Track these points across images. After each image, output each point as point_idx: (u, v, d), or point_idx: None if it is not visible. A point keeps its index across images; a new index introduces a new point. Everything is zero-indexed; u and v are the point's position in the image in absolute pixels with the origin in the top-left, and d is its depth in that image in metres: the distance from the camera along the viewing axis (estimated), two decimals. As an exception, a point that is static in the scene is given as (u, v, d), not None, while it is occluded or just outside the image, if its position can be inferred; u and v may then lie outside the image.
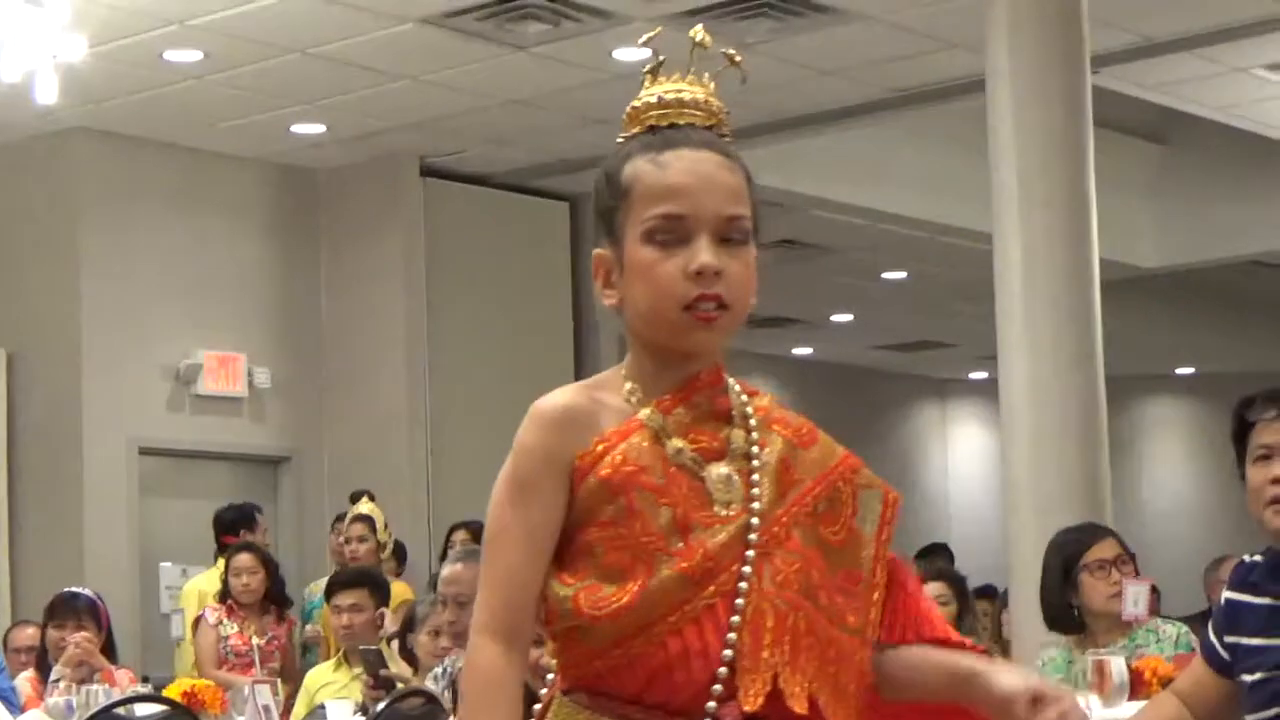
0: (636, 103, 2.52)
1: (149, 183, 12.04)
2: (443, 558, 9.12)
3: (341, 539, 10.39)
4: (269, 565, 9.23)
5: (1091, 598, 6.09)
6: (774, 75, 10.95)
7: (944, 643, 2.53)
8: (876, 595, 2.49)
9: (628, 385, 2.47)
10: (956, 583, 8.73)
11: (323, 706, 7.14)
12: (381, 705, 6.16)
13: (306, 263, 12.83)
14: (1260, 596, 3.90)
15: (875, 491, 2.53)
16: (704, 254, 2.41)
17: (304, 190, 12.85)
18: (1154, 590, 6.26)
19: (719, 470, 2.43)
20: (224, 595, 9.16)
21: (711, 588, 2.37)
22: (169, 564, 11.52)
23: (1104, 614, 6.07)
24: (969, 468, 21.66)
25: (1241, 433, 3.92)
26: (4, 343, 11.83)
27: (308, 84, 11.05)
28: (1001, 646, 9.32)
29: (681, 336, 2.44)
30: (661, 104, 2.50)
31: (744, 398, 2.52)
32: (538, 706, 2.47)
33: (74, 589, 8.30)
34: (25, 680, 8.02)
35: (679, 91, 2.51)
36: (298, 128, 11.95)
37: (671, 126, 2.48)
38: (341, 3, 9.78)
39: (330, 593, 8.26)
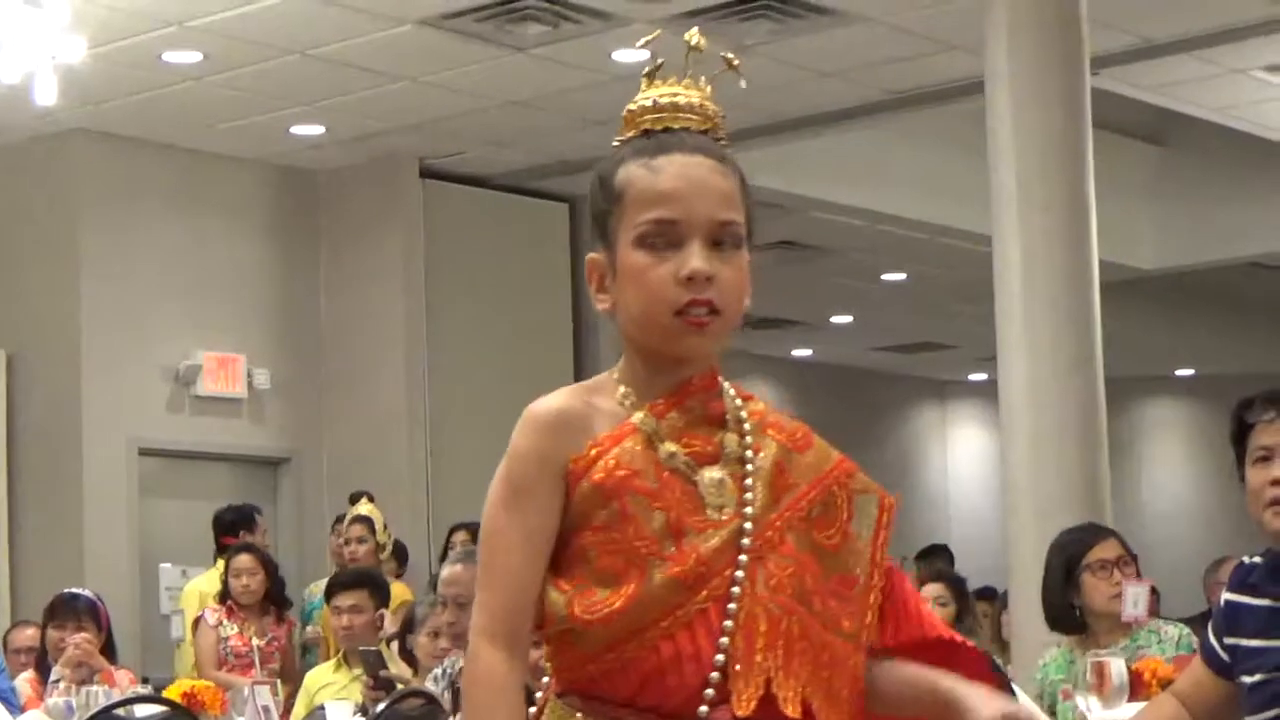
0: (632, 106, 2.52)
1: (148, 184, 12.05)
2: (443, 559, 9.12)
3: (341, 540, 10.40)
4: (269, 566, 9.23)
5: (1093, 598, 6.09)
6: (773, 77, 10.95)
7: (941, 641, 2.53)
8: (873, 599, 2.48)
9: (621, 389, 2.47)
10: (956, 584, 8.74)
11: (322, 707, 7.14)
12: (381, 706, 6.16)
13: (306, 264, 12.83)
14: (1260, 598, 3.90)
15: (871, 496, 2.53)
16: (695, 259, 2.41)
17: (303, 191, 12.85)
18: (1154, 592, 6.26)
19: (712, 474, 2.43)
20: (224, 596, 9.16)
21: (704, 592, 2.37)
22: (169, 565, 11.52)
23: (1105, 614, 6.07)
24: (968, 469, 21.67)
25: (1241, 434, 3.92)
26: (4, 343, 11.83)
27: (307, 85, 11.06)
28: (1001, 648, 9.33)
29: (673, 341, 2.44)
30: (656, 108, 2.50)
31: (738, 402, 2.52)
32: (533, 710, 2.47)
33: (74, 590, 8.30)
34: (25, 681, 8.01)
35: (674, 95, 2.51)
36: (297, 129, 11.96)
37: (666, 130, 2.48)
38: (340, 4, 9.78)
39: (330, 594, 8.26)
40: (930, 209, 13.78)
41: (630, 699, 2.38)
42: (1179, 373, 21.03)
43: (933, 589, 8.53)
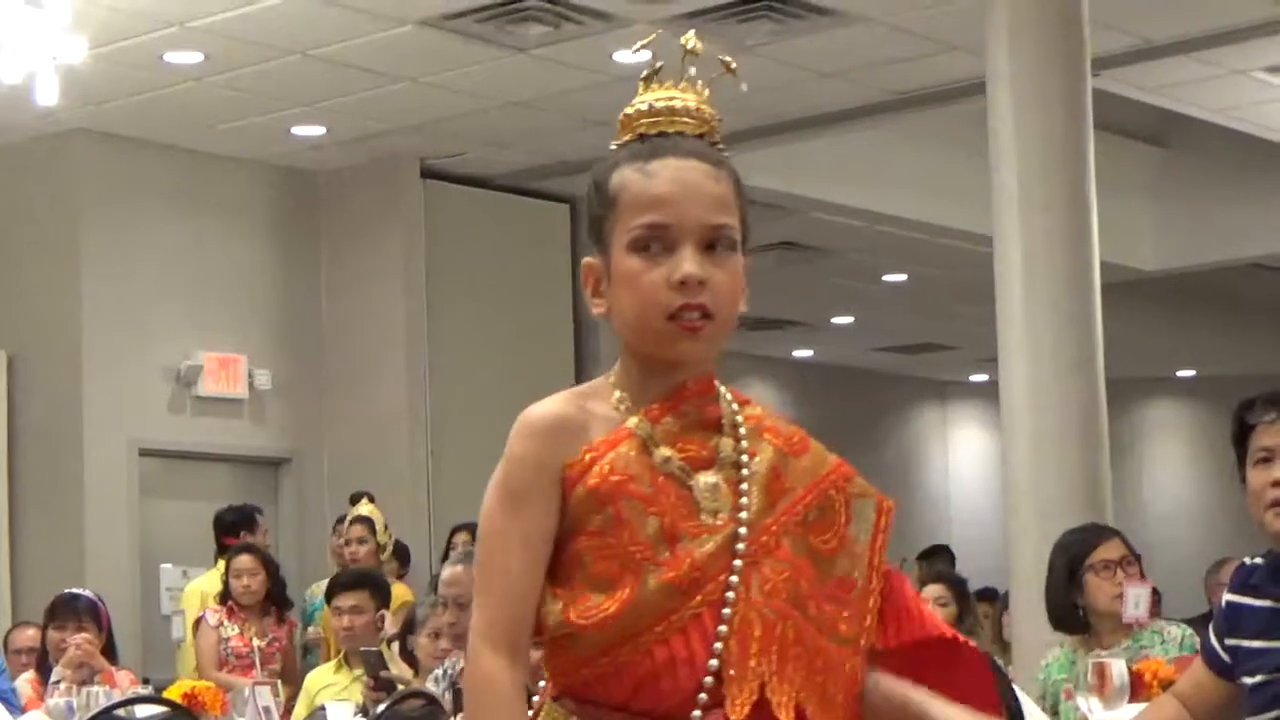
0: (628, 110, 2.52)
1: (149, 184, 12.05)
2: (444, 559, 9.12)
3: (342, 541, 10.40)
4: (270, 567, 9.23)
5: (1096, 598, 6.09)
6: (774, 77, 10.95)
7: (943, 641, 2.53)
8: (872, 603, 2.48)
9: (617, 393, 2.47)
10: (957, 585, 8.75)
11: (323, 708, 7.14)
12: (382, 707, 6.16)
13: (307, 264, 12.84)
14: (1261, 599, 3.90)
15: (869, 500, 2.52)
16: (687, 264, 2.41)
17: (304, 192, 12.85)
18: (1155, 592, 6.26)
19: (707, 479, 2.43)
20: (225, 597, 9.16)
21: (698, 597, 2.37)
22: (169, 565, 11.52)
23: (1109, 614, 6.07)
24: (969, 470, 21.67)
25: (1242, 435, 3.92)
26: (4, 344, 11.84)
27: (308, 86, 11.06)
28: (1002, 648, 9.33)
29: (667, 346, 2.43)
30: (652, 112, 2.50)
31: (735, 406, 2.51)
32: (529, 712, 2.47)
33: (74, 590, 8.30)
34: (26, 681, 8.01)
35: (670, 99, 2.51)
36: (298, 129, 11.96)
37: (661, 135, 2.48)
38: (341, 5, 9.79)
39: (331, 594, 8.25)
40: (931, 210, 13.78)
41: (624, 703, 2.38)
42: (1180, 374, 21.04)
43: (933, 590, 8.54)
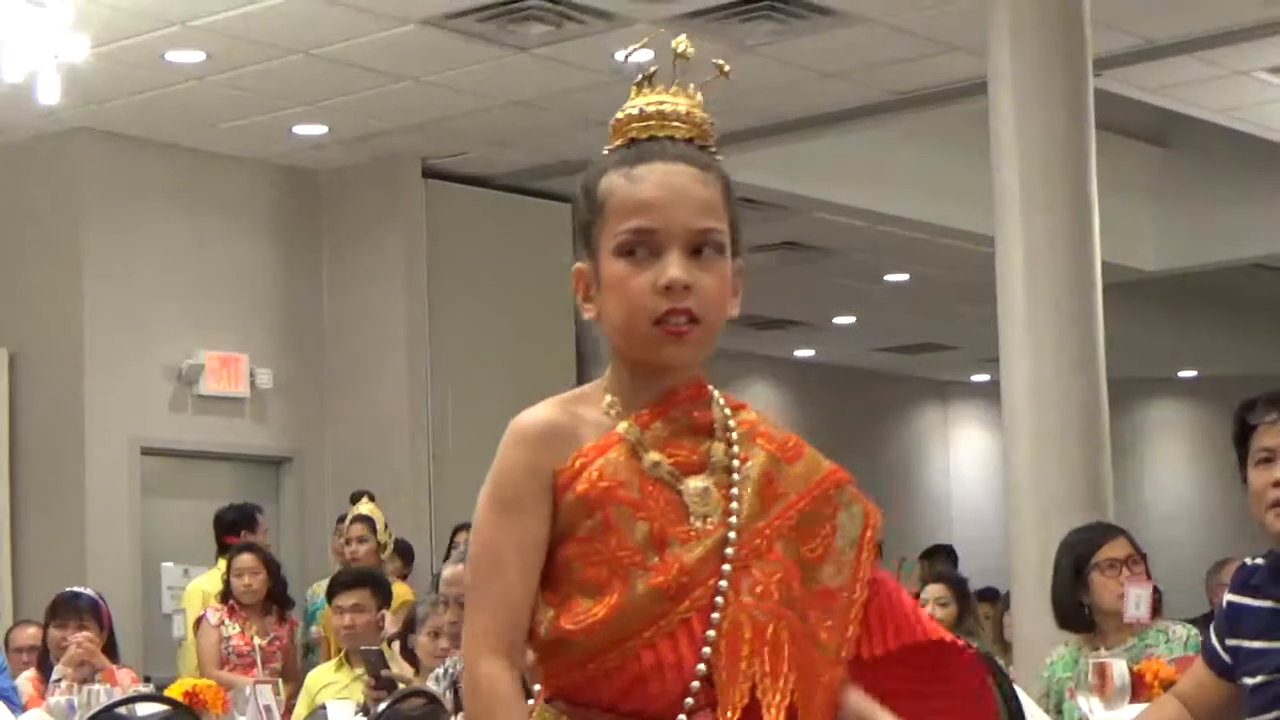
0: (619, 115, 2.52)
1: (151, 183, 12.06)
2: (445, 558, 9.12)
3: (342, 540, 10.40)
4: (271, 565, 9.23)
5: (1102, 596, 6.09)
6: (776, 78, 10.95)
7: (938, 645, 2.52)
8: (854, 613, 2.48)
9: (607, 398, 2.47)
10: (957, 585, 8.74)
11: (324, 707, 7.14)
12: (383, 706, 6.16)
13: (308, 264, 12.84)
14: (1262, 600, 3.90)
15: (857, 509, 2.52)
16: (673, 268, 2.40)
17: (305, 191, 12.86)
18: (1157, 592, 6.25)
19: (696, 484, 2.43)
20: (226, 595, 9.16)
21: (686, 602, 2.37)
22: (171, 564, 11.51)
23: (1114, 613, 6.07)
24: (971, 470, 21.67)
25: (1243, 436, 3.91)
26: (6, 343, 11.84)
27: (309, 85, 11.06)
28: (1003, 648, 9.33)
29: (654, 351, 2.43)
30: (643, 116, 2.50)
31: (727, 411, 2.50)
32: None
33: (76, 589, 8.30)
34: (27, 680, 8.02)
35: (660, 103, 2.50)
36: (299, 129, 11.96)
37: (651, 139, 2.48)
38: (343, 4, 9.79)
39: (332, 593, 8.25)
40: (933, 210, 13.78)
41: (613, 705, 2.38)
42: (1181, 374, 21.04)
43: (934, 590, 8.54)
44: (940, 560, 13.51)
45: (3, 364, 11.82)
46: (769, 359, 19.30)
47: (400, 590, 9.62)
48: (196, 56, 10.49)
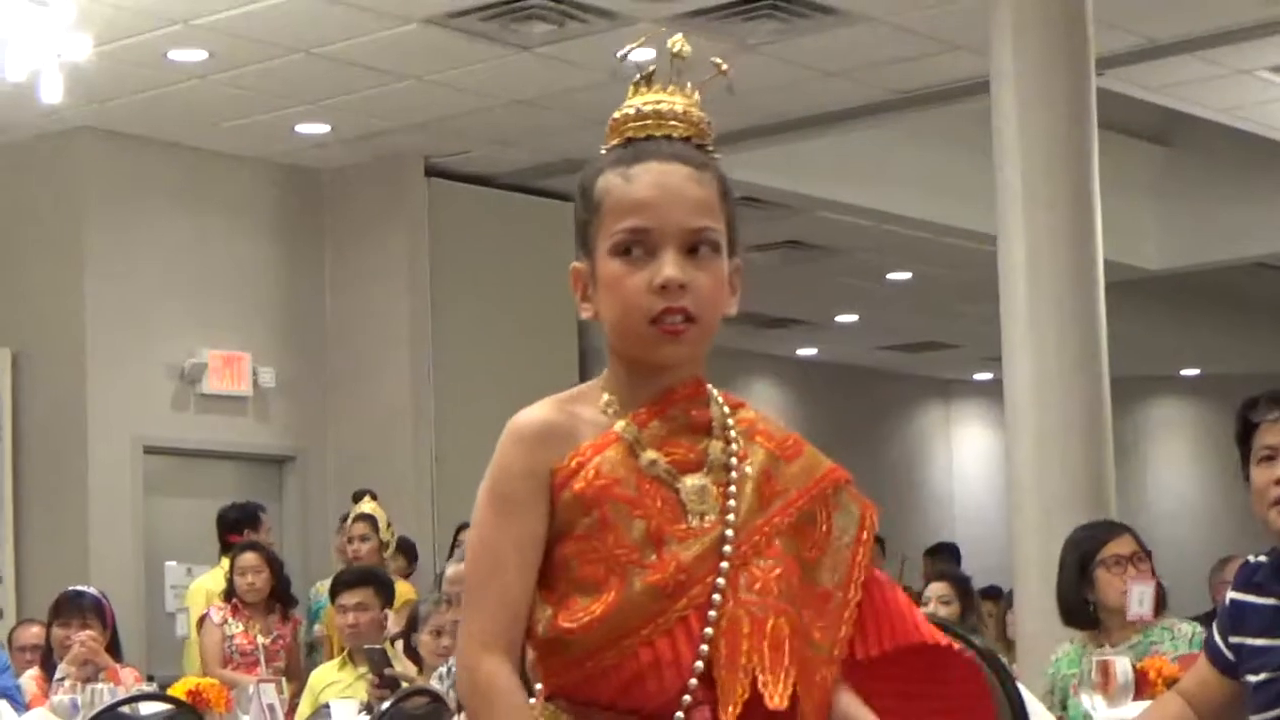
0: (616, 114, 2.53)
1: (153, 182, 12.06)
2: (449, 557, 9.12)
3: (345, 539, 10.40)
4: (274, 564, 9.24)
5: (1107, 594, 6.10)
6: (778, 76, 10.96)
7: (935, 648, 2.52)
8: (847, 614, 2.48)
9: (605, 397, 2.47)
10: (960, 583, 8.74)
11: (328, 706, 7.15)
12: (386, 704, 6.17)
13: (311, 262, 12.84)
14: (1265, 597, 3.90)
15: (854, 509, 2.53)
16: (668, 267, 2.41)
17: (308, 190, 12.86)
18: (1162, 589, 6.25)
19: (694, 482, 2.43)
20: (229, 594, 9.17)
21: (684, 600, 2.37)
22: (174, 563, 11.53)
23: (1119, 610, 6.07)
24: (974, 468, 21.66)
25: (1245, 434, 3.92)
26: (9, 342, 11.84)
27: (312, 84, 11.06)
28: (1006, 646, 9.33)
29: (650, 350, 2.44)
30: (639, 115, 2.50)
31: (726, 409, 2.51)
32: None
33: (79, 588, 8.31)
34: (30, 679, 8.02)
35: (657, 103, 2.51)
36: (302, 127, 11.96)
37: (648, 138, 2.49)
38: (345, 3, 9.79)
39: (335, 592, 8.26)
40: (935, 208, 13.79)
41: (612, 703, 2.39)
42: (1184, 372, 21.03)
43: (937, 588, 8.54)
44: (943, 558, 13.52)
45: (5, 363, 11.83)
46: (772, 358, 19.30)
47: (403, 589, 9.62)
48: (199, 55, 10.49)
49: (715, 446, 2.46)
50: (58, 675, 7.40)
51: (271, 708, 6.64)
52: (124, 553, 11.63)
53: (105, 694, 6.63)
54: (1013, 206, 9.00)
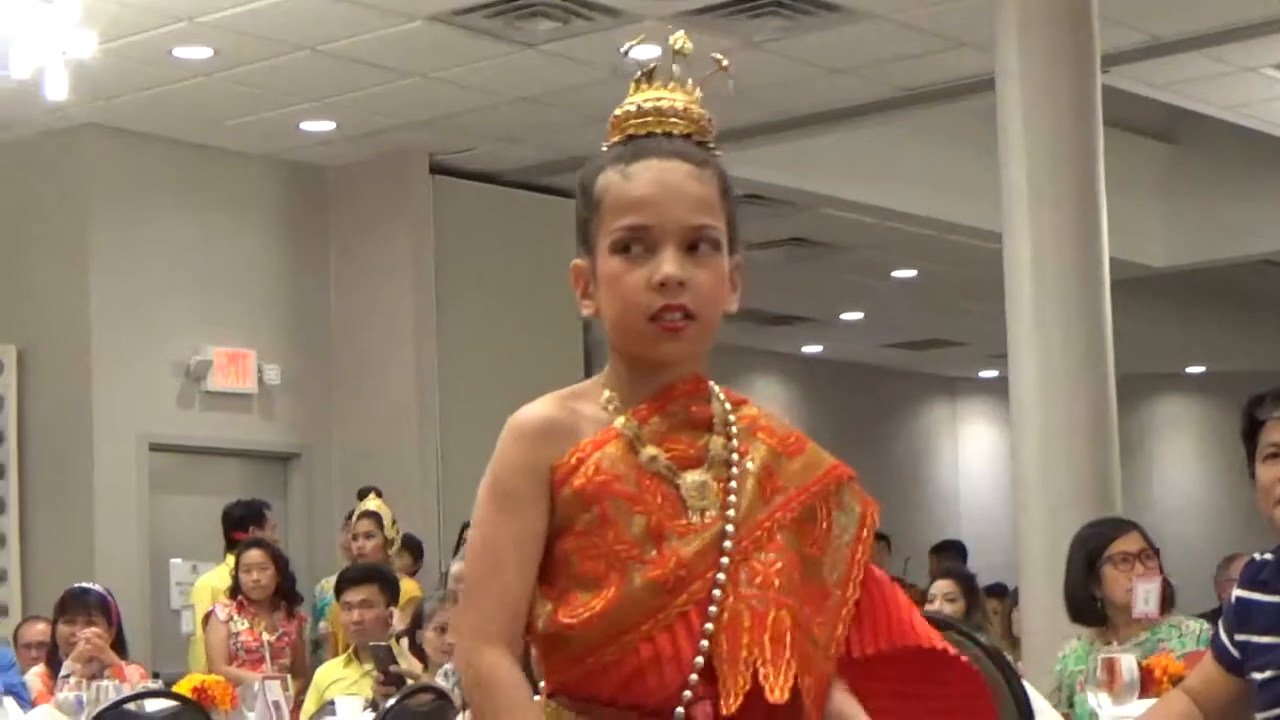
0: (617, 111, 2.53)
1: (158, 179, 12.06)
2: (454, 554, 9.12)
3: (350, 535, 10.40)
4: (279, 561, 9.24)
5: (1114, 590, 6.09)
6: (784, 73, 10.95)
7: (932, 653, 2.52)
8: (845, 612, 2.48)
9: (606, 394, 2.48)
10: (965, 580, 8.73)
11: (333, 703, 7.15)
12: (391, 701, 6.16)
13: (315, 260, 12.85)
14: (1270, 594, 3.90)
15: (856, 507, 2.53)
16: (667, 265, 2.41)
17: (313, 187, 12.86)
18: (1169, 586, 6.25)
19: (694, 477, 2.43)
20: (234, 591, 9.17)
21: (684, 595, 2.37)
22: (179, 560, 11.51)
23: (1126, 607, 6.07)
24: (979, 466, 21.66)
25: (1251, 431, 3.91)
26: (14, 339, 11.85)
27: (317, 81, 11.06)
28: (1011, 644, 9.33)
29: (650, 347, 2.44)
30: (640, 112, 2.51)
31: (727, 406, 2.51)
32: None
33: (84, 585, 8.31)
34: (36, 676, 8.03)
35: (658, 100, 2.51)
36: (307, 125, 11.97)
37: (649, 135, 2.49)
38: (350, 0, 9.79)
39: (340, 589, 8.26)
40: (940, 206, 13.78)
41: (613, 699, 2.39)
42: (1189, 370, 21.02)
43: (942, 585, 8.53)
44: (949, 556, 13.52)
45: (11, 360, 11.83)
46: (777, 355, 19.29)
47: (408, 586, 9.62)
48: (204, 53, 10.49)
49: (716, 442, 2.46)
50: (63, 672, 7.40)
51: (277, 705, 6.64)
52: (129, 550, 11.64)
53: (110, 691, 6.63)
54: (1018, 204, 9.00)
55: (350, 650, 8.07)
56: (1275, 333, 18.26)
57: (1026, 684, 4.24)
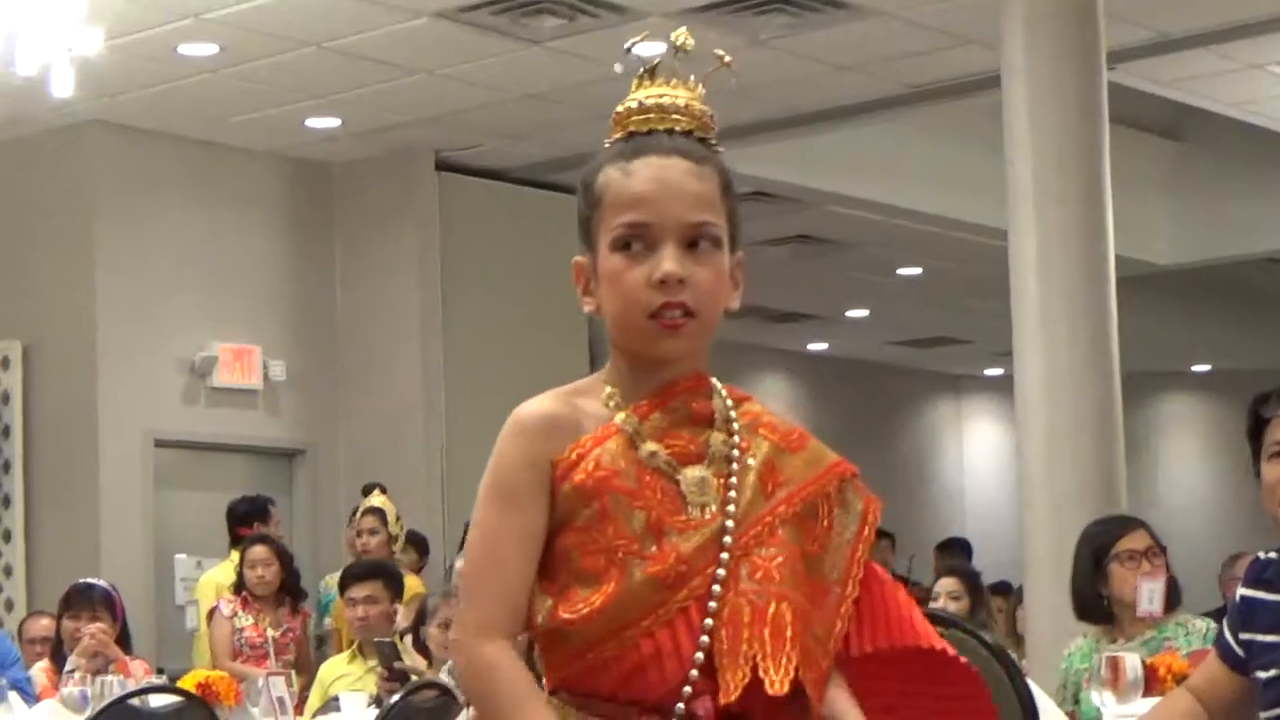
0: (620, 108, 2.54)
1: (164, 176, 12.07)
2: (459, 550, 9.12)
3: (354, 532, 10.41)
4: (284, 557, 9.24)
5: (1121, 588, 6.09)
6: (789, 71, 10.95)
7: (931, 653, 2.51)
8: (844, 609, 2.48)
9: (607, 390, 2.48)
10: (970, 578, 8.73)
11: (337, 699, 7.16)
12: (395, 698, 6.17)
13: (321, 256, 12.85)
14: (1275, 593, 3.89)
15: (858, 505, 2.53)
16: (667, 262, 2.41)
17: (319, 184, 12.86)
18: (1175, 585, 6.24)
19: (694, 473, 2.43)
20: (239, 587, 9.17)
21: (684, 591, 2.37)
22: (184, 556, 11.54)
23: (1133, 605, 6.06)
24: (984, 463, 21.66)
25: (1256, 429, 3.91)
26: (19, 336, 11.86)
27: (323, 78, 11.06)
28: (1016, 642, 9.33)
29: (650, 344, 2.44)
30: (642, 109, 2.51)
31: (729, 402, 2.51)
32: None
33: (89, 580, 8.32)
34: (40, 671, 8.04)
35: (660, 96, 2.51)
36: (312, 121, 11.97)
37: (650, 132, 2.49)
38: (357, -4, 9.80)
39: (344, 585, 8.27)
40: (946, 203, 13.78)
41: (613, 694, 2.39)
42: (1195, 368, 21.02)
43: (947, 583, 8.53)
44: (954, 553, 13.51)
45: (16, 357, 11.84)
46: (782, 352, 19.30)
47: (411, 583, 9.63)
48: (209, 49, 10.50)
49: (717, 438, 2.46)
50: (68, 667, 7.41)
51: (281, 700, 6.64)
52: (134, 546, 11.65)
53: (115, 686, 6.63)
54: (1024, 201, 8.99)
55: (354, 646, 8.08)
56: (1281, 330, 18.26)
57: (1030, 682, 4.24)
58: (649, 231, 2.43)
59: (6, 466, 11.84)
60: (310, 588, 10.11)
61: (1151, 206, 14.72)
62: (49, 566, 11.42)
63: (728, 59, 2.55)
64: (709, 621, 2.37)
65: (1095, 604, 6.18)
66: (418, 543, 11.07)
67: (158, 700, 6.49)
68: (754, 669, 2.35)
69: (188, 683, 6.65)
